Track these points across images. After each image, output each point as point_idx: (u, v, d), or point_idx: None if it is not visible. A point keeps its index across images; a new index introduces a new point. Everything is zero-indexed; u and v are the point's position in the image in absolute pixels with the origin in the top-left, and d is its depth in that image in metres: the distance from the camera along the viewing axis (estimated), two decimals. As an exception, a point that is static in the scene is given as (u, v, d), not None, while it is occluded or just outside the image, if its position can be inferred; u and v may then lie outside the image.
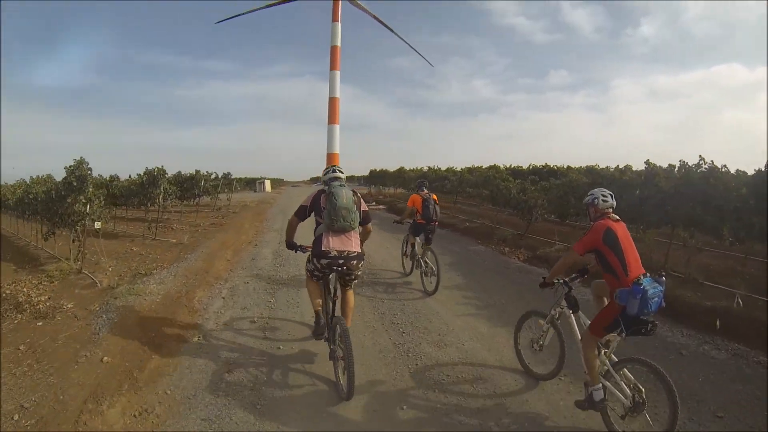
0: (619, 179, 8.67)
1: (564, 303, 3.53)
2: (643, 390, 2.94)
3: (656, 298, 2.83)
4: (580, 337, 3.34)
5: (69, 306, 5.70)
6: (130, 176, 15.74)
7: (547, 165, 18.85)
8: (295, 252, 4.01)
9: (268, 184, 44.26)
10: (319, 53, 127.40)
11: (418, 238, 6.97)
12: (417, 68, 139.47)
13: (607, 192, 3.31)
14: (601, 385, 3.07)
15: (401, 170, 25.96)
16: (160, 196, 11.32)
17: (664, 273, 3.02)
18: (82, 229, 7.64)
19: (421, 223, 6.75)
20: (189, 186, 18.70)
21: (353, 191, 3.82)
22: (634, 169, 10.30)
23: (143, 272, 7.69)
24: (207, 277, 7.49)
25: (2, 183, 16.16)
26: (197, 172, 20.23)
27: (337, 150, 78.17)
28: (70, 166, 7.32)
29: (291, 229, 4.02)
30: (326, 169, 4.00)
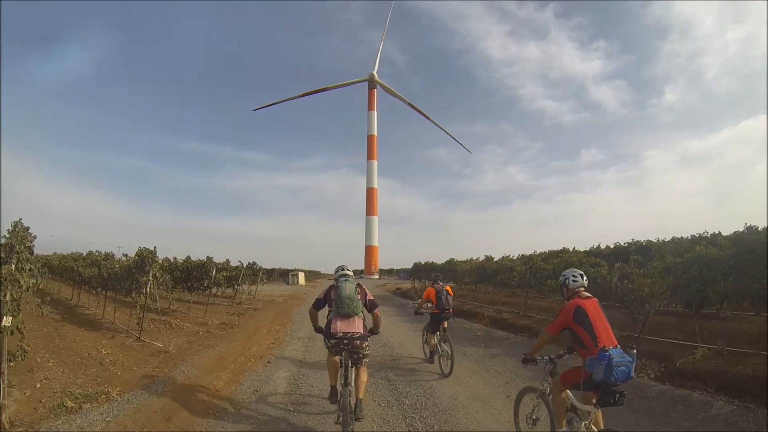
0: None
1: (550, 378, 3.79)
2: None
3: (623, 368, 3.05)
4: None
5: None
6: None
7: (636, 241, 15.05)
8: (321, 334, 4.66)
9: (301, 276, 41.53)
10: (353, 145, 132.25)
11: (434, 337, 7.60)
12: (454, 159, 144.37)
13: (577, 272, 3.69)
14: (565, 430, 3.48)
15: (452, 262, 22.38)
16: (149, 285, 8.71)
17: (634, 345, 3.26)
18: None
19: (436, 312, 7.52)
20: (199, 275, 16.38)
21: (357, 285, 4.71)
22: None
23: (75, 402, 4.93)
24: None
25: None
26: (208, 258, 18.03)
27: (375, 242, 77.09)
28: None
29: (313, 317, 4.92)
30: (337, 268, 4.92)
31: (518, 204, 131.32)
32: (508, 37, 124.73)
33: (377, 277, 68.30)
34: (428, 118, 78.65)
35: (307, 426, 4.84)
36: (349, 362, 4.51)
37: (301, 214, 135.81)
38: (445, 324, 7.59)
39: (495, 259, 17.71)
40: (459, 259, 21.56)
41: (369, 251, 73.40)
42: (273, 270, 50.11)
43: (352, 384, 4.43)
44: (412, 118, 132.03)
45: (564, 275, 3.74)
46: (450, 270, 20.98)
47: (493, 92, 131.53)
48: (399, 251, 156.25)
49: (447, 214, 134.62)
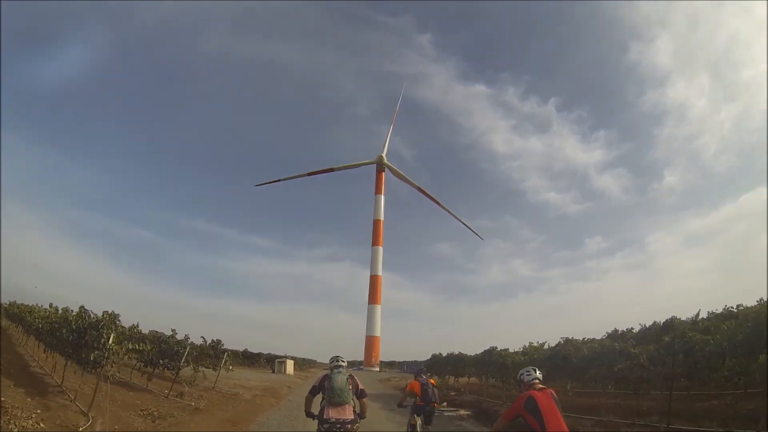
0: None
1: None
2: None
3: None
4: None
5: None
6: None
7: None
8: (313, 420, 5.07)
9: (290, 365, 34.53)
10: (358, 238, 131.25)
11: (419, 419, 7.60)
12: (458, 253, 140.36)
13: (531, 368, 4.06)
14: None
15: (496, 352, 15.54)
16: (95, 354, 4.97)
17: None
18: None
19: (420, 404, 7.57)
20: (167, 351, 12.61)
21: (350, 376, 5.15)
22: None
23: None
24: None
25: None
26: (106, 314, 13.05)
27: (377, 333, 69.81)
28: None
29: (308, 403, 5.24)
30: (332, 358, 5.33)
31: (522, 296, 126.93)
32: (512, 132, 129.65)
33: (378, 369, 60.45)
34: (438, 203, 75.68)
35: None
36: None
37: (301, 303, 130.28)
38: (430, 417, 7.66)
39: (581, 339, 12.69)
40: (500, 349, 15.59)
41: (370, 342, 66.22)
42: (259, 355, 43.70)
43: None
44: (415, 212, 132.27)
45: (520, 373, 4.11)
46: (490, 363, 15.09)
47: (498, 185, 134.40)
48: (399, 345, 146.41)
49: (450, 308, 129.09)
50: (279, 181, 77.49)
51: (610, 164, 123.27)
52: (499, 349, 15.25)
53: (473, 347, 23.45)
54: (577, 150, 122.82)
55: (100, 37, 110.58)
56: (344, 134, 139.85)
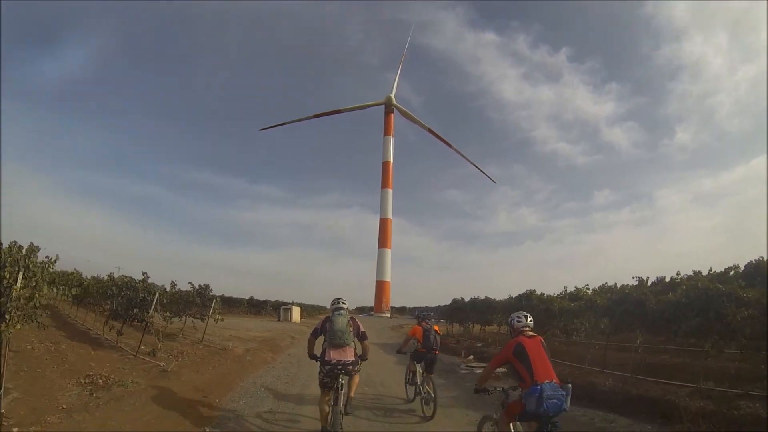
0: None
1: (502, 408, 3.98)
2: None
3: (554, 400, 3.38)
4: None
5: None
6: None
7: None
8: (316, 361, 5.16)
9: (296, 311, 32.91)
10: (366, 184, 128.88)
11: (419, 366, 7.13)
12: (467, 200, 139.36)
13: (522, 314, 4.14)
14: None
15: (536, 296, 13.18)
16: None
17: (570, 380, 3.58)
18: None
19: (422, 351, 7.06)
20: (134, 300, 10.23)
21: (350, 318, 5.19)
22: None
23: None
24: None
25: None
26: (146, 276, 10.68)
27: (388, 278, 68.45)
28: None
29: (310, 345, 5.37)
30: (333, 300, 5.41)
31: (529, 245, 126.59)
32: (522, 80, 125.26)
33: (389, 315, 59.69)
34: (449, 145, 71.77)
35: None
36: (340, 385, 4.99)
37: (310, 250, 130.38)
38: (432, 365, 7.10)
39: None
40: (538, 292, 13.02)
41: (380, 287, 65.19)
42: (266, 302, 42.47)
43: (342, 397, 4.99)
44: (423, 157, 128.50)
45: (510, 317, 4.20)
46: (528, 309, 12.50)
47: (507, 135, 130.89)
48: (409, 291, 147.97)
49: (457, 255, 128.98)
50: (284, 124, 73.87)
51: (621, 117, 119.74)
52: (538, 293, 12.72)
53: (480, 293, 21.16)
54: (588, 101, 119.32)
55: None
56: (352, 84, 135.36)
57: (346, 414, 5.02)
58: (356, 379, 5.33)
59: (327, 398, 5.01)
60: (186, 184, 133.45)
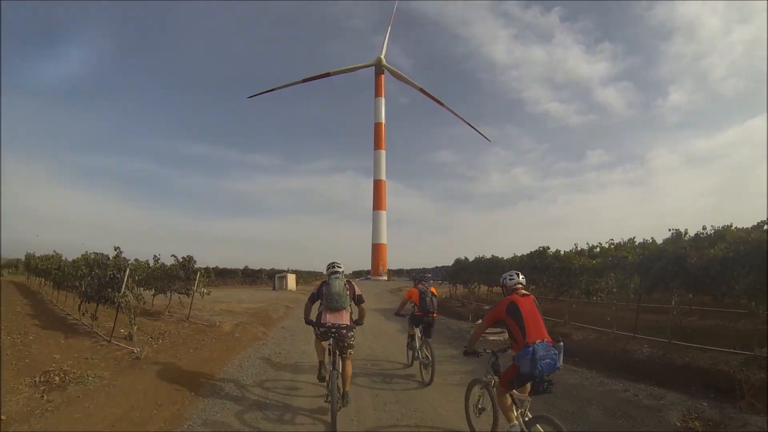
0: None
1: (491, 370, 4.07)
2: None
3: (548, 360, 3.34)
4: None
5: None
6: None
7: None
8: (313, 326, 5.14)
9: (291, 279, 31.93)
10: (359, 148, 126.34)
11: (417, 330, 6.99)
12: (459, 160, 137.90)
13: (514, 272, 4.08)
14: (516, 423, 3.60)
15: (551, 254, 11.90)
16: None
17: (561, 339, 3.72)
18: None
19: (418, 315, 6.87)
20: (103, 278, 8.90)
21: (347, 281, 5.21)
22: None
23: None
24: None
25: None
26: (118, 251, 9.51)
27: (383, 240, 67.79)
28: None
29: (307, 310, 5.29)
30: (329, 265, 5.38)
31: (523, 205, 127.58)
32: (513, 41, 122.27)
33: (386, 278, 59.42)
34: (442, 104, 69.32)
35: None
36: (337, 351, 5.04)
37: (305, 215, 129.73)
38: (429, 329, 6.91)
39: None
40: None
41: (376, 249, 64.63)
42: (260, 271, 41.55)
43: (339, 375, 4.97)
44: (414, 119, 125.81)
45: (503, 276, 4.15)
46: (542, 268, 11.53)
47: (498, 95, 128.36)
48: (404, 253, 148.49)
49: (451, 216, 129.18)
50: (273, 90, 70.58)
51: (614, 78, 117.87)
52: (552, 250, 11.64)
53: (479, 252, 20.40)
54: (581, 61, 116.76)
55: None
56: (342, 49, 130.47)
57: (344, 405, 4.97)
58: (349, 368, 5.21)
59: (323, 342, 5.17)
60: (178, 158, 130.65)
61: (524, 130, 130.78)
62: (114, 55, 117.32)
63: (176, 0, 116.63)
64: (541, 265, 11.54)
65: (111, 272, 8.92)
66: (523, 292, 3.87)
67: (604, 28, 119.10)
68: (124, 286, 8.71)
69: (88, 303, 10.19)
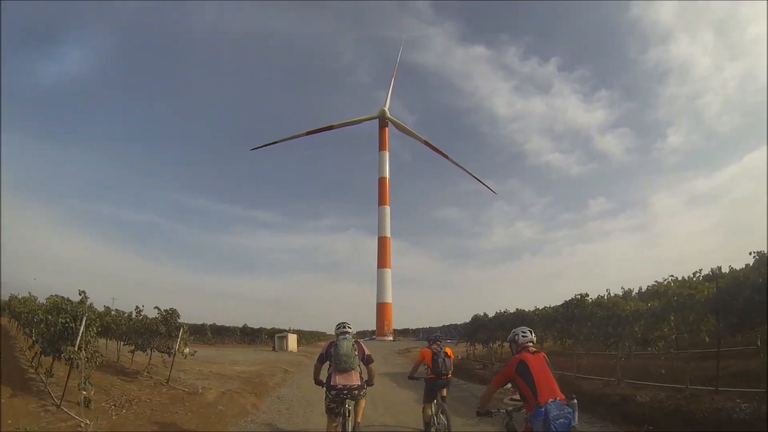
0: None
1: (506, 430, 3.82)
2: None
3: (562, 419, 3.09)
4: None
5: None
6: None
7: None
8: (322, 387, 5.08)
9: (292, 339, 29.28)
10: (361, 206, 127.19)
11: (433, 406, 6.60)
12: (463, 217, 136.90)
13: (526, 329, 3.82)
14: None
15: (588, 301, 10.40)
16: None
17: (574, 396, 3.34)
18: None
19: (431, 378, 6.49)
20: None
21: (355, 341, 5.15)
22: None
23: None
24: None
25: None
26: (83, 296, 8.21)
27: (388, 299, 65.34)
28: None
29: (316, 371, 5.27)
30: (338, 325, 5.34)
31: (527, 258, 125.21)
32: (513, 93, 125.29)
33: (392, 339, 56.43)
34: (447, 157, 70.35)
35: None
36: (347, 411, 4.97)
37: (307, 275, 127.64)
38: (444, 392, 6.49)
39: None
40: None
41: (381, 309, 62.14)
42: (260, 330, 39.18)
43: (350, 422, 4.97)
44: (418, 176, 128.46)
45: (514, 332, 3.89)
46: (581, 318, 9.70)
47: (500, 149, 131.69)
48: (409, 312, 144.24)
49: (456, 273, 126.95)
50: (277, 142, 72.25)
51: (612, 124, 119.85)
52: (591, 297, 10.01)
53: (482, 310, 18.74)
54: (579, 110, 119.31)
55: (95, 23, 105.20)
56: (345, 103, 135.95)
57: None
58: (362, 403, 5.26)
59: (334, 424, 5.06)
60: (182, 211, 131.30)
61: (526, 182, 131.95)
62: (123, 112, 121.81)
63: (181, 53, 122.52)
64: (580, 315, 9.87)
65: (63, 320, 7.44)
66: (533, 349, 3.71)
67: (601, 75, 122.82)
68: (79, 338, 7.19)
69: (44, 356, 8.62)
